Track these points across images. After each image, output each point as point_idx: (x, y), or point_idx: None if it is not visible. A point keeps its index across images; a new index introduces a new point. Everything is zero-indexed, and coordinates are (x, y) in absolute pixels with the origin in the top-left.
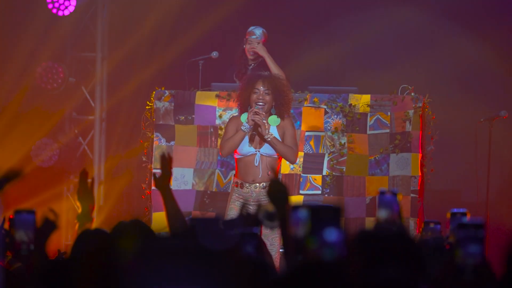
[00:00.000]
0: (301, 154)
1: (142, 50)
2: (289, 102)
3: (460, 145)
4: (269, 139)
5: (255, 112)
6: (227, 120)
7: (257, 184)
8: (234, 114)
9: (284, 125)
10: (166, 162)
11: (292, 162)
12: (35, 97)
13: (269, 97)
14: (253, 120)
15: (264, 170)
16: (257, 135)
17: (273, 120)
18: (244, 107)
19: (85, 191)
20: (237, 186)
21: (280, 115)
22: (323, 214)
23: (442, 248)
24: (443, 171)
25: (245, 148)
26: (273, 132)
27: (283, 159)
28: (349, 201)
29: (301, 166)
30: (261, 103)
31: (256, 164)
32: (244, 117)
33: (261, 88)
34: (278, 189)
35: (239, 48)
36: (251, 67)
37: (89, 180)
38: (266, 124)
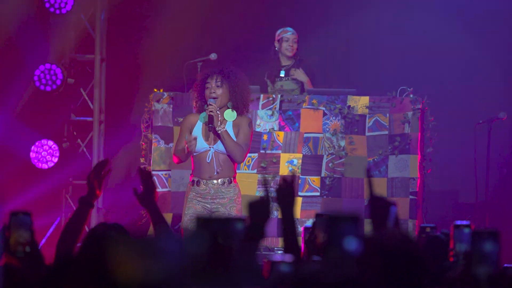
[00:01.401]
0: (299, 155)
1: (141, 51)
2: (246, 95)
3: (459, 147)
4: (219, 131)
5: (209, 103)
6: None
7: (214, 181)
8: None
9: (240, 123)
10: (147, 176)
11: (238, 161)
12: (33, 99)
13: (221, 90)
14: (208, 112)
15: (218, 167)
16: (210, 129)
17: (229, 114)
18: (200, 106)
19: (97, 177)
20: (193, 184)
21: (237, 109)
22: (342, 223)
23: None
24: (442, 172)
25: (199, 144)
26: (228, 129)
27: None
28: (348, 203)
29: (300, 167)
30: (214, 96)
31: (208, 161)
32: (202, 116)
33: (213, 82)
34: (286, 193)
35: (270, 49)
36: (284, 68)
37: (107, 170)
38: (219, 116)
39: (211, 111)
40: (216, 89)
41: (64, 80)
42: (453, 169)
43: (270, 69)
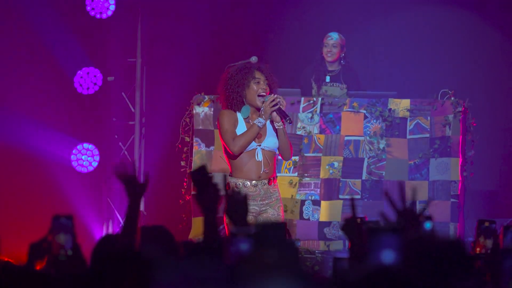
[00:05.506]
0: (340, 158)
1: (182, 55)
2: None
3: (500, 148)
4: (280, 127)
5: (273, 98)
6: None
7: (264, 181)
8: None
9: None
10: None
11: (288, 158)
12: (74, 104)
13: (267, 87)
14: (274, 106)
15: (265, 166)
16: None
17: (244, 111)
18: (238, 101)
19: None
20: (237, 187)
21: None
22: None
23: None
24: (483, 173)
25: None
26: (269, 126)
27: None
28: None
29: (341, 170)
30: (263, 94)
31: (258, 159)
32: (245, 110)
33: (262, 77)
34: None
35: (318, 53)
36: (330, 74)
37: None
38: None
39: (279, 103)
40: (266, 86)
41: (104, 80)
42: (494, 170)
43: (317, 72)
